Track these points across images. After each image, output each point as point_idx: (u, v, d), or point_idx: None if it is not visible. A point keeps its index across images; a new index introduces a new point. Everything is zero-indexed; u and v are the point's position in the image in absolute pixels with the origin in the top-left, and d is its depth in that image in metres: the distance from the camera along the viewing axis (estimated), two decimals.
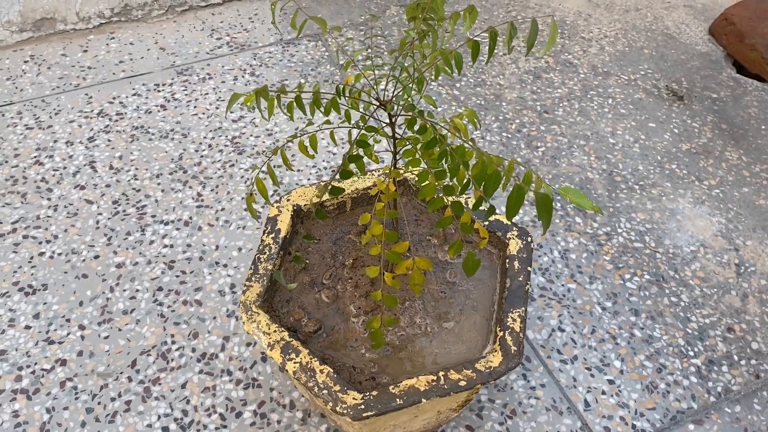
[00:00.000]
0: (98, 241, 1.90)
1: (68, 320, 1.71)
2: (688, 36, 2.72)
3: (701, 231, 1.99)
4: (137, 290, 1.78)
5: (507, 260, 1.36)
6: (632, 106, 2.40)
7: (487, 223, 1.43)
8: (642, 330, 1.74)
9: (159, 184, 2.06)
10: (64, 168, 2.09)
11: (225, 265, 1.85)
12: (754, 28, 2.50)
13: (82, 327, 1.70)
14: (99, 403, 1.54)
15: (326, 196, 1.46)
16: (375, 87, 1.10)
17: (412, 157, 1.09)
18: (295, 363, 1.18)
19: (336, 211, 1.49)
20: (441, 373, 1.18)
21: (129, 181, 2.07)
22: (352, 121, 1.05)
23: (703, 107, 2.41)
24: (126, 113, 2.29)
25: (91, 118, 2.27)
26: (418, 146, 1.02)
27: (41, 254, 1.86)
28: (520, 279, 1.32)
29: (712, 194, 2.09)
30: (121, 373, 1.60)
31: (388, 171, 1.12)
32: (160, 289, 1.79)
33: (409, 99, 1.08)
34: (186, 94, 2.37)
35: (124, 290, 1.78)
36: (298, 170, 2.12)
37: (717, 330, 1.75)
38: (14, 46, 2.53)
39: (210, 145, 2.19)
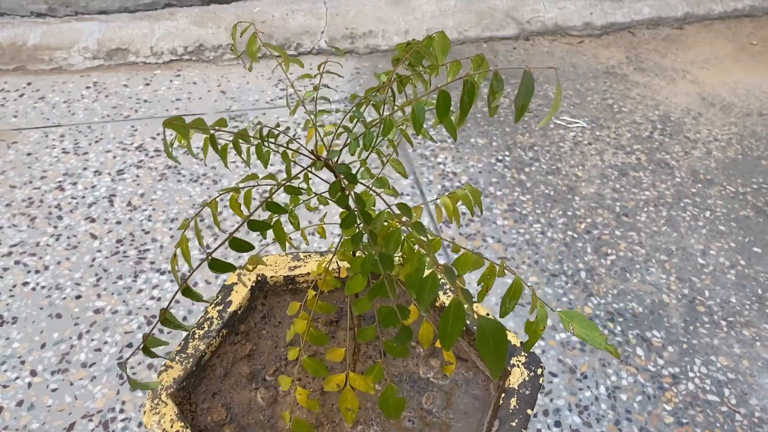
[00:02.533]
0: (86, 280, 1.73)
1: (23, 362, 1.52)
2: None
3: None
4: (105, 342, 1.57)
5: (503, 395, 1.02)
6: (735, 224, 1.98)
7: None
8: None
9: (170, 229, 1.88)
10: (83, 197, 1.97)
11: None
12: None
13: (33, 373, 1.50)
14: None
15: (301, 270, 1.20)
16: (321, 137, 0.84)
17: (349, 237, 0.81)
18: None
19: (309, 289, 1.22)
20: None
21: (141, 221, 1.91)
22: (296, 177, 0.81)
23: None
24: (164, 151, 2.16)
25: (128, 150, 2.16)
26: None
27: (25, 284, 1.70)
28: (513, 425, 0.98)
29: None
30: None
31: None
32: (129, 345, 1.57)
33: (359, 156, 0.81)
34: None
35: (92, 340, 1.58)
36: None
37: None
38: (83, 72, 2.51)
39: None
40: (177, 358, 1.05)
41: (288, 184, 0.77)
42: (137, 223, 1.90)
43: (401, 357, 0.78)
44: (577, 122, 2.30)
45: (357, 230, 0.68)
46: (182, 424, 0.96)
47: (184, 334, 1.58)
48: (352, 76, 2.58)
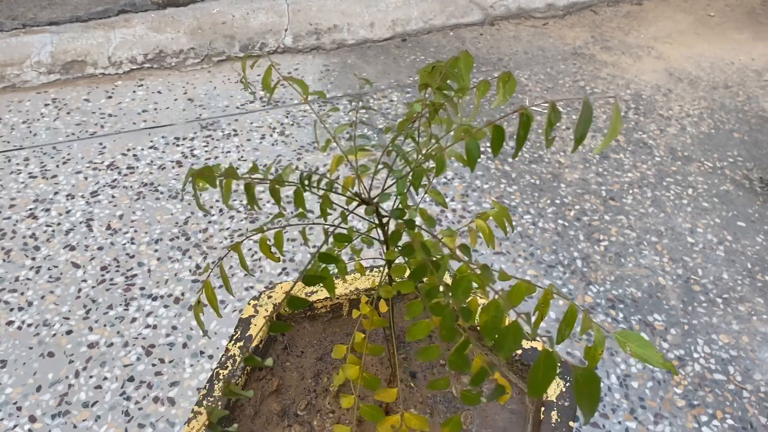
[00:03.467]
0: (75, 313, 1.65)
1: (20, 408, 1.45)
2: None
3: None
4: (105, 378, 1.51)
5: (543, 408, 1.02)
6: (717, 200, 2.02)
7: (520, 351, 1.10)
8: None
9: (156, 251, 1.81)
10: (58, 224, 1.88)
11: (210, 357, 1.56)
12: None
13: (33, 419, 1.43)
14: None
15: (319, 296, 1.16)
16: (359, 176, 0.81)
17: (402, 278, 0.78)
18: None
19: (329, 315, 1.19)
20: None
21: (124, 244, 1.83)
22: (333, 217, 0.77)
23: None
24: (138, 167, 2.08)
25: (99, 170, 2.07)
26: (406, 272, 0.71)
27: (9, 323, 1.62)
28: None
29: None
30: None
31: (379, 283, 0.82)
32: (131, 379, 1.51)
33: (405, 195, 0.78)
34: (206, 151, 2.15)
35: (91, 377, 1.51)
36: (314, 246, 1.84)
37: None
38: (39, 88, 2.39)
39: (221, 210, 1.94)
40: (203, 402, 1.01)
41: (338, 231, 0.73)
42: (120, 248, 1.82)
43: (475, 404, 0.76)
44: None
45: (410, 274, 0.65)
46: None
47: (205, 373, 1.53)
48: (322, 74, 2.52)
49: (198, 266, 1.78)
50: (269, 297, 1.16)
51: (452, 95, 0.84)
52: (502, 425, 1.05)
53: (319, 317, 1.18)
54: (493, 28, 2.78)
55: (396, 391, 0.82)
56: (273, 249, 1.62)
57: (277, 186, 0.74)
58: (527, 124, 0.68)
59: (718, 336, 1.63)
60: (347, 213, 0.76)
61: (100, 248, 1.82)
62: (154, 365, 1.54)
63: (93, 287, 1.71)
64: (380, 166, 0.80)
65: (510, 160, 2.14)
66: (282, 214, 0.81)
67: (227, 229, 1.88)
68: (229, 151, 2.15)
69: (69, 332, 1.61)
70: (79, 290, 1.71)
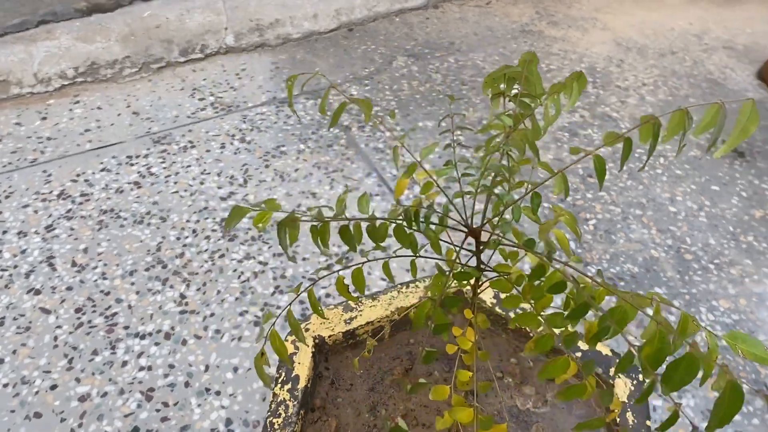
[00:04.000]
0: (56, 364, 1.49)
1: None
2: (734, 81, 2.40)
3: None
4: None
5: (616, 410, 0.99)
6: (688, 166, 2.06)
7: (580, 353, 1.06)
8: None
9: (133, 284, 1.67)
10: (15, 267, 1.69)
11: (218, 393, 1.45)
12: None
13: None
14: None
15: (360, 321, 1.08)
16: (451, 204, 0.74)
17: (509, 294, 0.72)
18: None
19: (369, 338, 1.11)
20: None
21: (96, 281, 1.67)
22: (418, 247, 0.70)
23: None
24: (92, 194, 1.90)
25: (49, 201, 1.88)
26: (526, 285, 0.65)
27: None
28: None
29: None
30: None
31: (470, 313, 0.75)
32: (135, 430, 1.38)
33: (514, 222, 0.72)
34: (164, 168, 1.99)
35: None
36: (303, 258, 1.75)
37: None
38: None
39: (194, 231, 1.81)
40: None
41: (460, 270, 0.66)
42: (92, 285, 1.66)
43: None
44: (515, 89, 2.28)
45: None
46: None
47: (216, 412, 1.41)
48: (272, 73, 2.39)
49: (183, 296, 1.65)
50: (306, 330, 1.08)
51: (529, 102, 0.77)
52: None
53: (361, 344, 1.10)
54: (438, 11, 2.73)
55: (505, 426, 0.76)
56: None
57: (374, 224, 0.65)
58: (628, 148, 0.63)
59: (718, 302, 1.66)
60: (456, 248, 0.69)
61: (69, 288, 1.65)
62: (158, 411, 1.42)
63: (70, 333, 1.56)
64: (476, 189, 0.73)
65: (481, 136, 2.11)
66: (354, 249, 0.73)
67: (205, 251, 1.76)
68: (189, 166, 2.00)
69: (54, 387, 1.45)
70: (55, 338, 1.54)
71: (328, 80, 0.79)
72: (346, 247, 1.77)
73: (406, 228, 0.65)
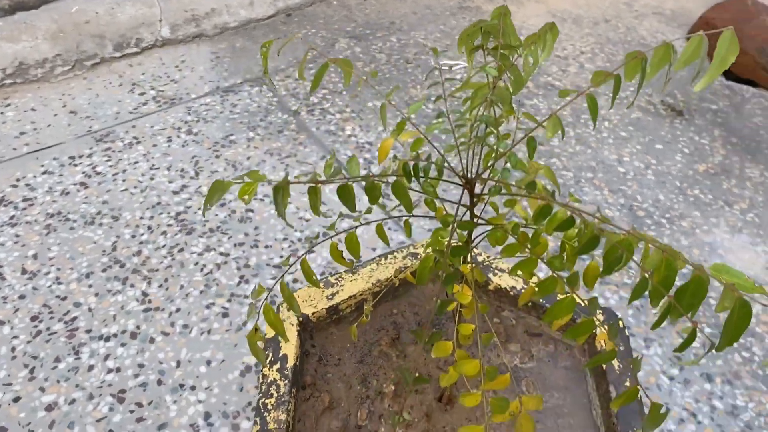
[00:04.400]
0: (17, 376, 1.42)
1: None
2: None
3: (749, 265, 1.71)
4: None
5: None
6: (632, 127, 2.13)
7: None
8: (722, 399, 1.42)
9: (90, 286, 1.60)
10: None
11: (193, 387, 1.42)
12: (740, 30, 2.30)
13: None
14: None
15: (342, 296, 1.07)
16: (442, 157, 0.74)
17: (507, 244, 0.72)
18: None
19: (354, 314, 1.10)
20: None
21: (50, 287, 1.60)
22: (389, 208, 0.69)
23: (706, 121, 2.17)
24: (36, 198, 1.82)
25: None
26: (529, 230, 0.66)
27: None
28: (628, 384, 0.97)
29: (747, 219, 1.83)
30: None
31: (467, 271, 0.75)
32: None
33: (509, 170, 0.72)
34: (110, 166, 1.92)
35: None
36: (266, 246, 1.72)
37: None
38: None
39: (149, 227, 1.75)
40: None
41: (461, 220, 0.66)
42: (46, 291, 1.59)
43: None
44: (458, 63, 2.30)
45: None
46: None
47: (193, 407, 1.38)
48: (213, 63, 2.34)
49: (145, 294, 1.59)
50: (288, 309, 1.06)
51: (507, 54, 0.78)
52: (562, 384, 1.03)
53: (344, 319, 1.09)
54: None
55: (507, 378, 0.77)
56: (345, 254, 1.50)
57: (376, 182, 0.64)
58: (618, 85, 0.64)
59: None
60: (449, 204, 0.69)
61: (21, 297, 1.57)
62: (132, 412, 1.37)
63: (28, 342, 1.48)
64: (470, 140, 0.73)
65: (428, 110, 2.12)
66: (353, 208, 0.72)
67: (163, 247, 1.70)
68: (137, 162, 1.94)
69: (17, 399, 1.38)
70: (13, 349, 1.47)
71: (307, 42, 0.77)
72: (328, 222, 1.75)
73: (405, 183, 0.65)
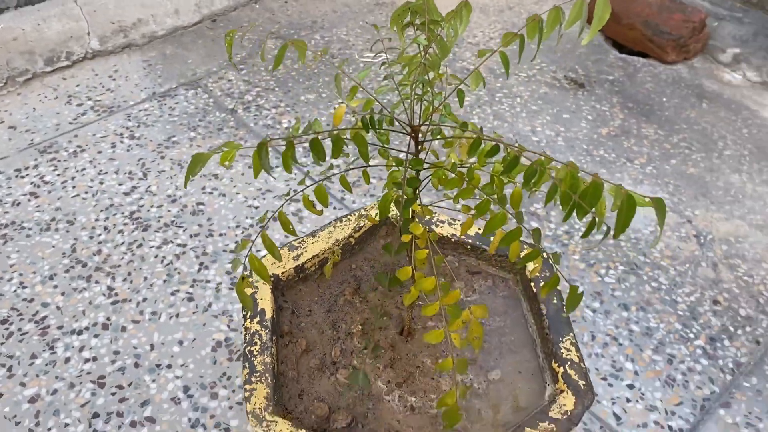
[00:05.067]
0: None
1: None
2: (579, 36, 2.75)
3: (651, 210, 1.96)
4: (67, 425, 1.41)
5: (532, 283, 1.20)
6: (541, 101, 2.36)
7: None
8: (638, 323, 1.65)
9: (56, 287, 1.68)
10: None
11: (169, 366, 1.53)
12: (627, 8, 2.57)
13: None
14: None
15: (307, 256, 1.22)
16: (388, 112, 0.90)
17: (449, 179, 0.89)
18: None
19: (317, 272, 1.25)
20: None
21: (15, 291, 1.67)
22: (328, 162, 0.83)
23: (604, 90, 2.43)
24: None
25: None
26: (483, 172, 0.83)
27: None
28: (555, 302, 1.17)
29: (647, 172, 2.09)
30: None
31: (418, 213, 0.91)
32: (96, 415, 1.43)
33: (446, 117, 0.89)
34: (58, 175, 1.99)
35: (49, 429, 1.40)
36: (220, 234, 1.83)
37: (704, 306, 1.70)
38: None
39: (106, 228, 1.84)
40: (252, 379, 1.04)
41: (413, 158, 0.82)
42: (11, 296, 1.65)
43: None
44: (380, 54, 2.48)
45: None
46: (305, 431, 0.98)
47: (172, 383, 1.48)
48: (146, 71, 2.42)
49: (110, 288, 1.68)
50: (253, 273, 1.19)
51: (434, 28, 0.95)
52: (502, 309, 1.21)
53: (310, 277, 1.24)
54: None
55: (458, 292, 0.94)
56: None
57: (341, 137, 0.80)
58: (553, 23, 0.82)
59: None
60: (398, 153, 0.85)
61: None
62: (113, 394, 1.47)
63: (2, 344, 1.55)
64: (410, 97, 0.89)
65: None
66: (323, 158, 0.86)
67: (122, 244, 1.80)
68: (84, 169, 2.01)
69: None
70: None
71: (265, 29, 0.91)
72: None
73: (363, 134, 0.80)
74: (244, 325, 1.11)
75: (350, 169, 0.89)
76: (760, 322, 1.67)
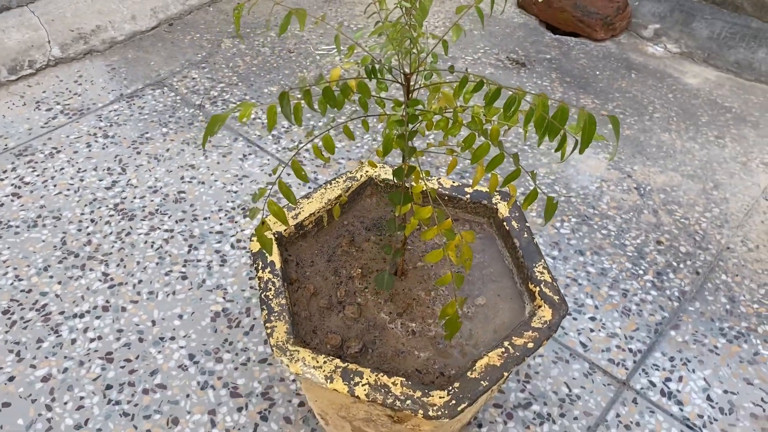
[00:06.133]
0: (5, 361, 1.57)
1: None
2: (503, 12, 2.97)
3: (596, 169, 2.17)
4: (82, 397, 1.50)
5: (504, 223, 1.37)
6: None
7: (468, 195, 1.43)
8: (594, 266, 1.85)
9: (52, 277, 1.76)
10: None
11: (172, 338, 1.63)
12: None
13: None
14: None
15: (304, 214, 1.36)
16: (382, 64, 1.05)
17: (437, 121, 1.05)
18: (363, 386, 1.08)
19: (315, 228, 1.39)
20: (505, 343, 1.15)
21: (12, 284, 1.74)
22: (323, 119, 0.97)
23: (544, 68, 2.64)
24: None
25: None
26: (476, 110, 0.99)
27: None
28: (526, 236, 1.34)
29: None
30: None
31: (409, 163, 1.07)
32: (109, 387, 1.52)
33: (434, 65, 1.05)
34: (38, 176, 2.05)
35: (65, 403, 1.49)
36: (204, 218, 1.94)
37: (649, 246, 1.92)
38: None
39: (93, 220, 1.92)
40: (272, 318, 1.17)
41: (411, 100, 0.97)
42: (9, 288, 1.72)
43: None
44: (332, 48, 2.62)
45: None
46: (324, 356, 1.11)
47: (178, 353, 1.58)
48: (110, 74, 2.49)
49: (105, 273, 1.77)
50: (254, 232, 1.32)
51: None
52: (480, 248, 1.38)
53: (309, 233, 1.38)
54: None
55: (450, 221, 1.09)
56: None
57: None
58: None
59: (538, 170, 2.15)
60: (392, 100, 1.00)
61: None
62: (123, 367, 1.57)
63: (6, 332, 1.63)
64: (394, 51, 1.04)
65: None
66: (337, 105, 1.01)
67: (111, 234, 1.88)
68: (62, 168, 2.08)
69: (11, 379, 1.53)
70: None
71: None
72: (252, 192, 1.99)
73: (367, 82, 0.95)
74: (257, 275, 1.24)
75: (352, 119, 1.03)
76: (698, 256, 1.90)
